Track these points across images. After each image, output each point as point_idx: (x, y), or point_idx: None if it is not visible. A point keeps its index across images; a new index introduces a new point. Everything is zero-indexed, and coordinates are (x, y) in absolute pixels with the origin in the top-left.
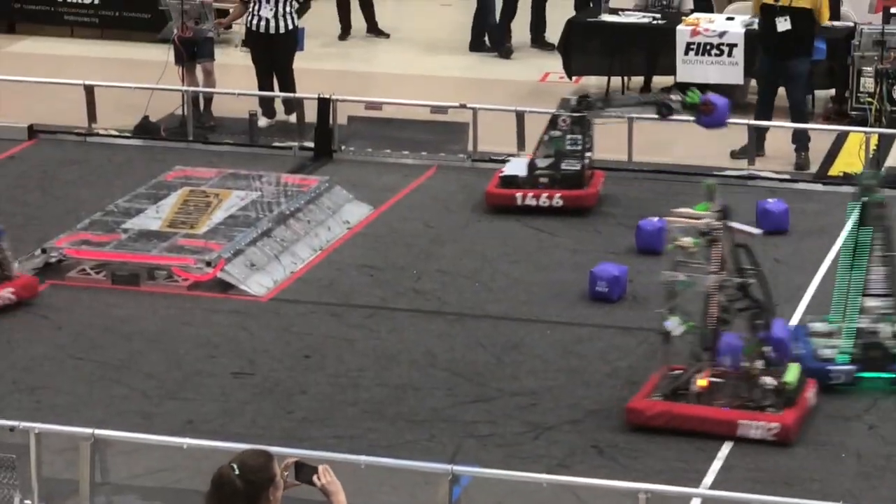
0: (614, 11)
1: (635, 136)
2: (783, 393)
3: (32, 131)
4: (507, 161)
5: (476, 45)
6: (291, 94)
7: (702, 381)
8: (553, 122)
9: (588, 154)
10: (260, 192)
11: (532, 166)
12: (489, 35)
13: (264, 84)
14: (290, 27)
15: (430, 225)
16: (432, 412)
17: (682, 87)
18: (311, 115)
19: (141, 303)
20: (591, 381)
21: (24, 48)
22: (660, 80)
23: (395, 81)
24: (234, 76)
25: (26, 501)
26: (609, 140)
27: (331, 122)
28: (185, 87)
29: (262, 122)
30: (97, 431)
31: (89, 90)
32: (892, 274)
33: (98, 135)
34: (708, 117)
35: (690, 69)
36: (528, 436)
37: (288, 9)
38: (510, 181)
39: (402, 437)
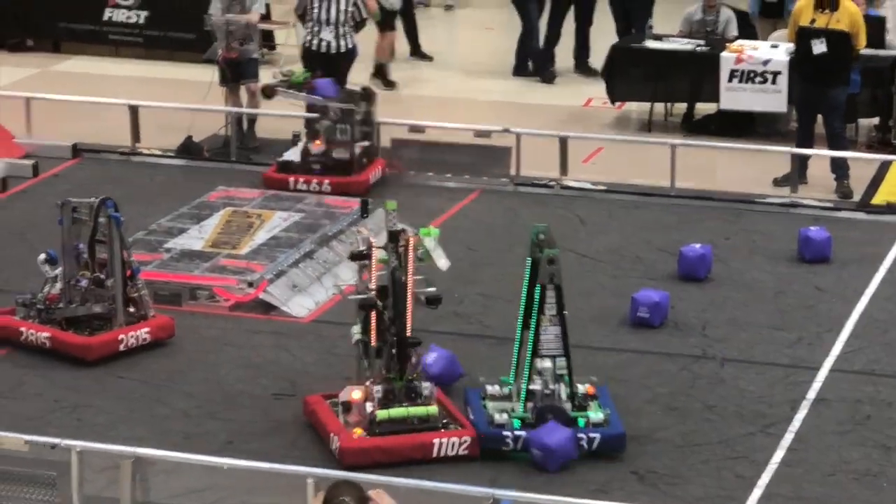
0: (658, 38)
1: (678, 161)
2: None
3: (76, 150)
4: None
5: (520, 70)
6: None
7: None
8: (324, 112)
9: (363, 143)
10: (302, 213)
11: (305, 153)
12: (533, 60)
13: None
14: (350, 46)
15: (472, 248)
16: None
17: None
18: None
19: (182, 322)
20: (631, 407)
21: (69, 67)
22: (703, 107)
23: (438, 105)
24: (277, 97)
25: None
26: (651, 166)
27: (374, 144)
28: (228, 108)
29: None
30: (138, 450)
31: (133, 109)
32: (564, 333)
33: (141, 154)
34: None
35: (734, 96)
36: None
37: (347, 29)
38: (285, 166)
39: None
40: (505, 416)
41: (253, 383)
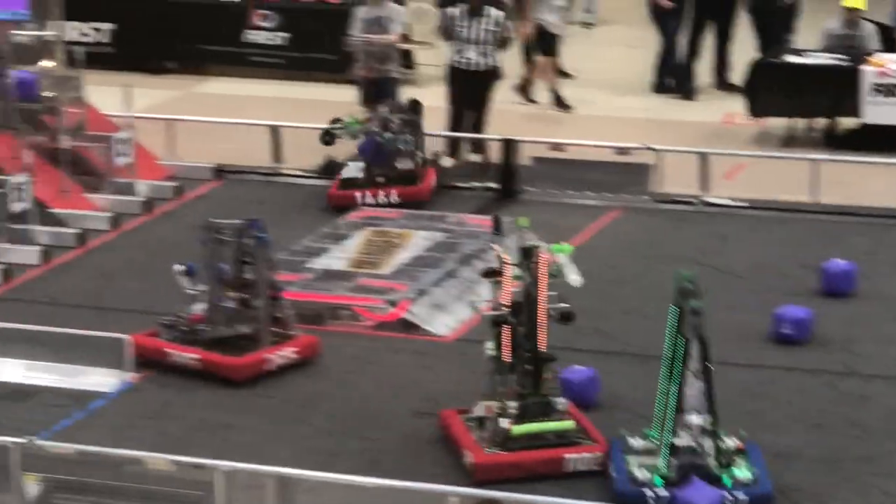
0: (798, 52)
1: (820, 176)
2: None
3: (218, 171)
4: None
5: (660, 86)
6: (476, 136)
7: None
8: (385, 125)
9: (419, 153)
10: (444, 232)
11: (368, 167)
12: (673, 76)
13: (457, 124)
14: (493, 65)
15: (612, 266)
16: None
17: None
18: (495, 155)
19: (325, 342)
20: (774, 424)
21: (211, 89)
22: (845, 122)
23: (578, 122)
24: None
25: None
26: (793, 181)
27: (514, 162)
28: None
29: (447, 161)
30: (282, 470)
31: (274, 130)
32: (709, 388)
33: (283, 175)
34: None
35: (876, 110)
36: None
37: (491, 48)
38: (348, 183)
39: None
40: (646, 472)
41: (395, 402)
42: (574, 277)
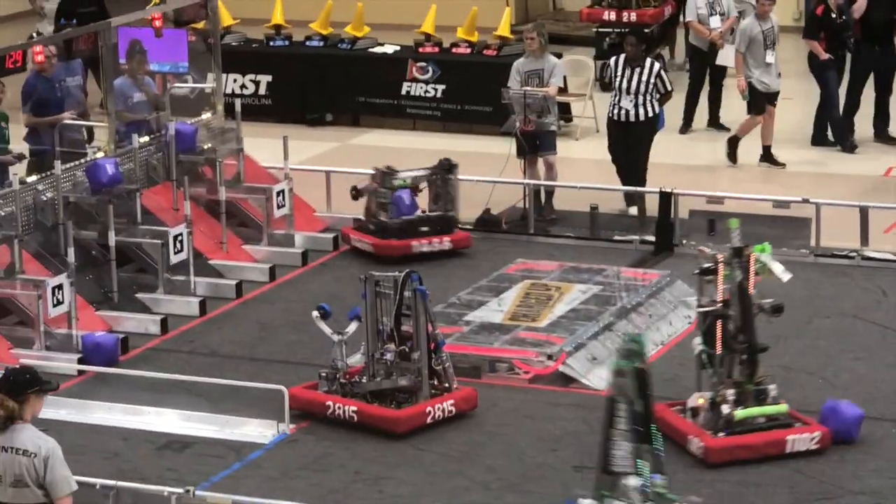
0: None
1: None
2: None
3: None
4: None
5: (819, 139)
6: (633, 189)
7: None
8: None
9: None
10: (601, 285)
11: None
12: (832, 129)
13: (619, 174)
14: (650, 115)
15: (771, 321)
16: None
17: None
18: (652, 208)
19: (482, 395)
20: None
21: (367, 141)
22: None
23: (735, 175)
24: (575, 169)
25: None
26: None
27: (672, 215)
28: (526, 181)
29: (632, 209)
30: None
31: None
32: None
33: None
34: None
35: None
36: None
37: (649, 98)
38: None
39: None
40: None
41: (553, 456)
42: (782, 271)
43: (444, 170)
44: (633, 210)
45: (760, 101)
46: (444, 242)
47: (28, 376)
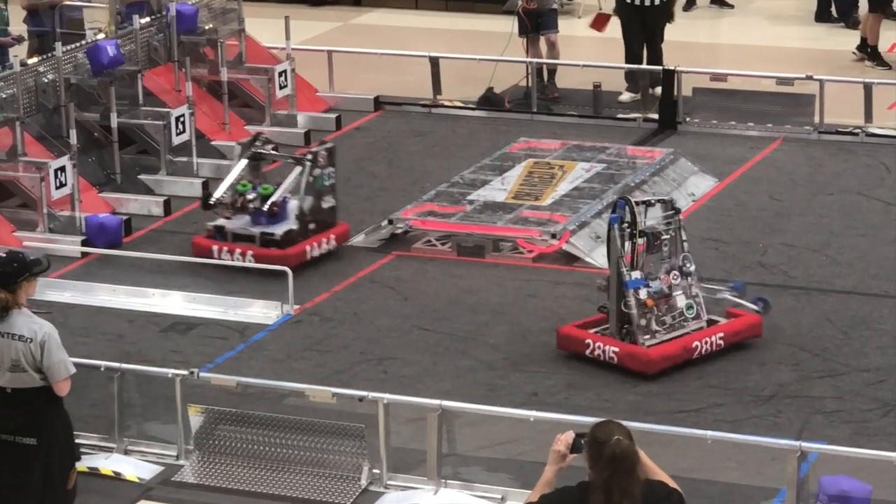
0: None
1: None
2: None
3: (378, 103)
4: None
5: (822, 16)
6: (635, 66)
7: None
8: (314, 161)
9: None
10: (604, 163)
11: (301, 213)
12: (835, 5)
13: (631, 56)
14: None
15: (776, 198)
16: (778, 387)
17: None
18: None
19: (486, 274)
20: None
21: (369, 20)
22: None
23: (739, 52)
24: (577, 47)
25: (375, 470)
26: None
27: (675, 93)
28: (529, 59)
29: (625, 96)
30: (444, 403)
31: (434, 62)
32: None
33: (443, 106)
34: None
35: None
36: (877, 412)
37: None
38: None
39: (748, 412)
40: None
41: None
42: None
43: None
44: (658, 90)
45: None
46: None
47: (16, 265)
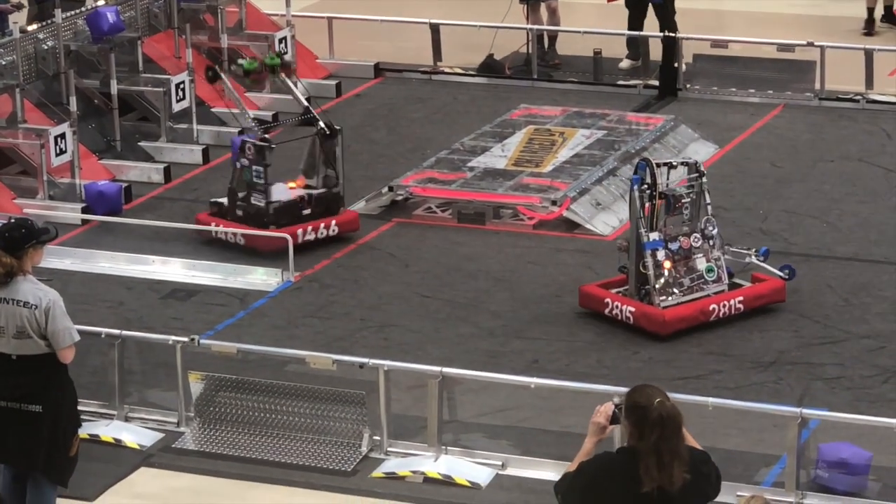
0: None
1: None
2: None
3: (378, 70)
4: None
5: None
6: (637, 33)
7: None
8: (241, 149)
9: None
10: (605, 130)
11: (233, 196)
12: None
13: (634, 23)
14: None
15: (776, 165)
16: (779, 354)
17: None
18: (655, 53)
19: (486, 241)
20: None
21: None
22: None
23: (740, 19)
24: (578, 14)
25: (375, 437)
26: None
27: (676, 60)
28: (529, 26)
29: (625, 63)
30: (445, 370)
31: (434, 28)
32: None
33: (443, 73)
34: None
35: None
36: (877, 379)
37: None
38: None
39: (749, 378)
40: None
41: (557, 301)
42: None
43: (325, 136)
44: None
45: None
46: (332, 227)
47: (24, 231)
